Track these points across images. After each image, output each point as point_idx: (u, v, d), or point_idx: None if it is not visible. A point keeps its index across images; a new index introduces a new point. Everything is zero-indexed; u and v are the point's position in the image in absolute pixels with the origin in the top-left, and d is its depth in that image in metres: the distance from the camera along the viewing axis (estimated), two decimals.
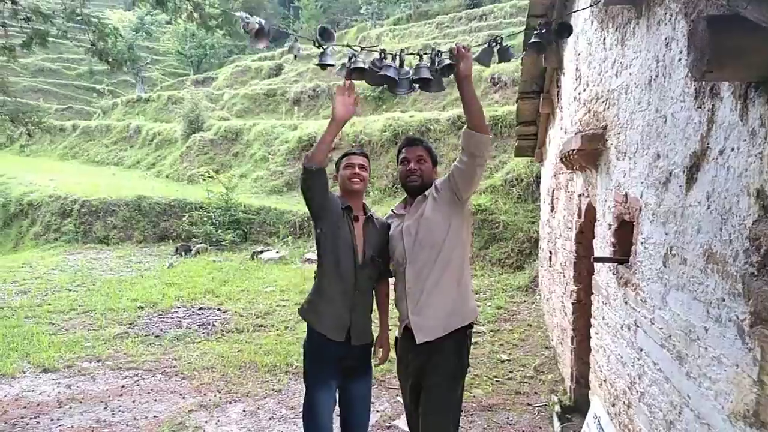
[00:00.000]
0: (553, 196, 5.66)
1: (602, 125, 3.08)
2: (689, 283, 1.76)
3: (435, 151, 2.85)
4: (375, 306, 2.86)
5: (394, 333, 2.84)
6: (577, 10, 3.53)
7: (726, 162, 1.53)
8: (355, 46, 2.59)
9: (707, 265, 1.62)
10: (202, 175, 14.65)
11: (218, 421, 4.05)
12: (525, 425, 3.91)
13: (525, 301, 7.14)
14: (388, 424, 3.94)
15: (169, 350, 5.58)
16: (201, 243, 11.31)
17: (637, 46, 2.40)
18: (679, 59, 1.88)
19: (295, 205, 12.37)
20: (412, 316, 2.57)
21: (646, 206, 2.24)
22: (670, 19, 1.96)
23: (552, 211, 5.72)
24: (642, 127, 2.31)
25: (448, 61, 2.46)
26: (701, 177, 1.69)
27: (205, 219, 11.53)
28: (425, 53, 2.52)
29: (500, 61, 2.66)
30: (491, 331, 6.01)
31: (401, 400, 3.22)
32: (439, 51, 2.55)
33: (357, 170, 2.73)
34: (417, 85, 2.58)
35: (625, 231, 2.64)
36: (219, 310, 7.06)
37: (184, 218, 12.01)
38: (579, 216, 3.86)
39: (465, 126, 2.51)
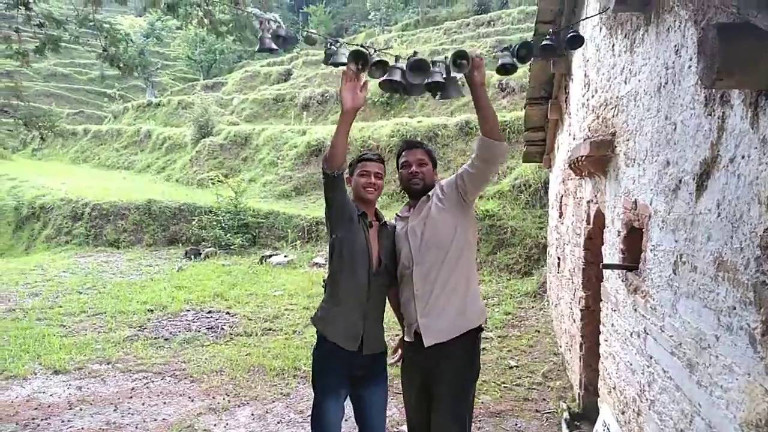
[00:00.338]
0: (561, 202, 5.65)
1: (611, 132, 3.08)
2: (700, 291, 1.76)
3: (434, 153, 2.86)
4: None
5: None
6: (586, 18, 3.53)
7: (737, 170, 1.53)
8: (368, 47, 2.57)
9: (718, 273, 1.62)
10: (211, 179, 14.74)
11: (227, 424, 4.07)
12: None
13: (533, 307, 7.11)
14: (396, 429, 3.94)
15: (179, 353, 5.62)
16: (210, 247, 11.37)
17: (647, 52, 2.40)
18: (689, 66, 1.88)
19: (304, 209, 12.41)
20: (421, 319, 2.55)
21: (656, 213, 2.23)
22: (680, 26, 1.96)
23: (560, 217, 5.71)
24: (651, 134, 2.31)
25: (460, 60, 2.44)
26: (712, 185, 1.69)
27: (215, 223, 11.59)
28: (440, 61, 2.50)
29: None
30: (499, 337, 5.99)
31: None
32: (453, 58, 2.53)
33: (372, 179, 2.66)
34: (434, 94, 2.58)
35: (634, 238, 2.64)
36: (228, 313, 7.09)
37: (193, 222, 12.08)
38: (588, 222, 3.85)
39: (480, 134, 2.51)
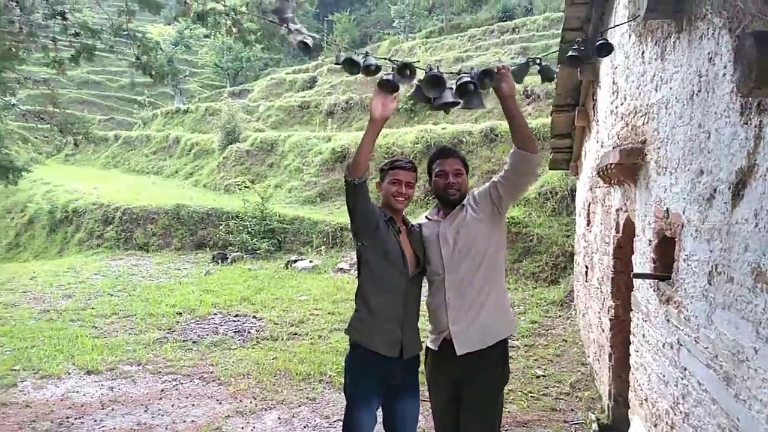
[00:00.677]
0: (589, 210, 5.59)
1: (641, 139, 3.05)
2: (736, 302, 1.73)
3: (467, 161, 2.84)
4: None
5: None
6: (615, 26, 3.51)
7: None
8: (394, 59, 2.61)
9: (756, 284, 1.60)
10: (238, 185, 14.95)
11: (254, 427, 4.12)
12: None
13: (560, 316, 7.03)
14: None
15: (207, 356, 5.71)
16: (237, 251, 11.52)
17: (678, 60, 2.38)
18: (723, 74, 1.86)
19: (328, 215, 12.50)
20: (453, 327, 2.54)
21: (689, 222, 2.20)
22: (714, 33, 1.95)
23: (588, 225, 5.64)
24: (684, 142, 2.29)
25: (481, 72, 2.45)
26: (748, 194, 1.67)
27: (241, 228, 11.74)
28: (465, 72, 2.52)
29: (543, 81, 2.66)
30: (525, 345, 5.94)
31: None
32: (478, 70, 2.55)
33: (403, 188, 2.61)
34: (458, 103, 2.59)
35: (665, 247, 2.60)
36: (254, 317, 7.18)
37: (220, 227, 12.26)
38: (617, 231, 3.80)
39: (513, 146, 2.50)
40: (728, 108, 1.83)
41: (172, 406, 4.52)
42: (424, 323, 2.75)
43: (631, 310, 3.29)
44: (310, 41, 2.62)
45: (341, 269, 9.97)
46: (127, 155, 24.19)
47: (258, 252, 11.32)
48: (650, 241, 2.82)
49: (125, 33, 6.70)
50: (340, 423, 2.77)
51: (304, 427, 4.13)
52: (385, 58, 2.63)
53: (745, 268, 1.67)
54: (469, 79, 2.44)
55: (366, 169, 2.42)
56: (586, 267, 5.66)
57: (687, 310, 2.22)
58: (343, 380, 2.72)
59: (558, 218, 9.13)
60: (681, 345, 2.30)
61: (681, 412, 2.27)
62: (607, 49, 2.60)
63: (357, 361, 2.60)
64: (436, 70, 2.46)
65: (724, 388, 1.81)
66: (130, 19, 6.72)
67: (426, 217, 2.83)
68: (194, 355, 5.74)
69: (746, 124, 1.69)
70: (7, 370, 5.26)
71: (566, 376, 5.05)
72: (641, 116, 3.07)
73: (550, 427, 4.06)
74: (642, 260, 3.02)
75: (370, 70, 2.49)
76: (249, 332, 6.52)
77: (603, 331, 4.26)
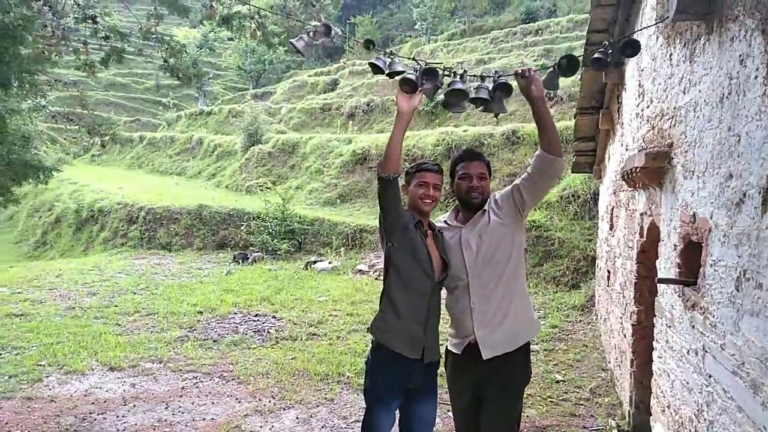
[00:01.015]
0: (612, 214, 5.52)
1: (668, 143, 3.00)
2: (766, 309, 1.69)
3: (490, 164, 2.83)
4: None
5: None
6: (643, 28, 3.46)
7: None
8: (419, 60, 2.62)
9: None
10: (260, 186, 15.13)
11: (272, 426, 4.14)
12: None
13: (581, 321, 6.95)
14: None
15: (226, 355, 5.76)
16: (257, 252, 11.64)
17: (708, 62, 2.34)
18: (756, 77, 1.82)
19: (348, 216, 12.55)
20: (479, 332, 2.53)
21: (717, 227, 2.16)
22: (746, 35, 1.91)
23: (611, 229, 5.56)
24: (712, 145, 2.24)
25: (503, 80, 2.46)
26: None
27: (262, 228, 11.86)
28: (488, 75, 2.52)
29: (565, 75, 2.63)
30: (545, 350, 5.88)
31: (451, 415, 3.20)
32: (501, 74, 2.55)
33: (431, 191, 2.60)
34: (477, 106, 2.60)
35: (691, 252, 2.55)
36: (274, 317, 7.23)
37: (242, 227, 12.41)
38: (641, 235, 3.74)
39: (539, 148, 2.49)
40: (760, 111, 1.79)
41: (192, 403, 4.57)
42: (441, 326, 2.75)
43: (655, 315, 3.24)
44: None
45: (360, 271, 9.99)
46: (152, 156, 24.63)
47: (278, 253, 11.42)
48: (675, 245, 2.77)
49: (153, 36, 6.82)
50: (358, 424, 2.78)
51: (322, 427, 4.14)
52: (410, 58, 2.65)
53: None
54: (486, 91, 2.47)
55: (399, 163, 2.42)
56: (609, 271, 5.58)
57: (713, 317, 2.17)
58: (361, 381, 2.73)
59: (580, 222, 9.02)
60: (706, 352, 2.26)
61: (705, 419, 2.23)
62: (633, 47, 2.55)
63: (378, 361, 2.60)
64: (459, 81, 2.49)
65: (751, 396, 1.77)
66: (158, 22, 6.84)
67: (445, 222, 2.80)
68: (214, 353, 5.81)
69: None
70: (33, 365, 5.38)
71: (586, 381, 4.98)
72: (668, 119, 3.02)
73: None
74: (666, 265, 2.97)
75: (395, 74, 2.52)
76: (268, 332, 6.57)
77: (625, 336, 4.19)
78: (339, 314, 7.33)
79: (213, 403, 4.58)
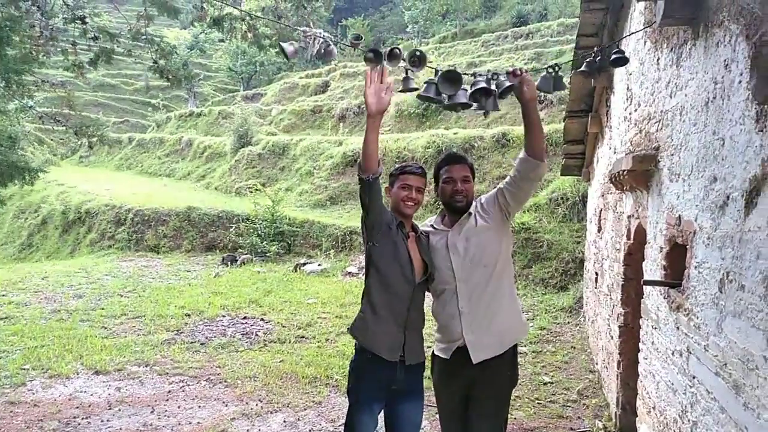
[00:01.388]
0: (600, 216, 5.55)
1: (654, 146, 3.03)
2: (747, 310, 1.71)
3: (474, 167, 2.82)
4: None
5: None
6: (631, 33, 3.49)
7: None
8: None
9: (767, 293, 1.57)
10: (249, 188, 15.05)
11: (259, 430, 4.12)
12: None
13: (569, 323, 6.98)
14: None
15: (214, 358, 5.72)
16: (246, 254, 11.58)
17: (694, 67, 2.36)
18: (740, 81, 1.84)
19: (338, 219, 12.52)
20: (468, 336, 2.52)
21: (701, 230, 2.18)
22: (730, 40, 1.93)
23: (599, 231, 5.60)
24: (698, 149, 2.26)
25: (508, 84, 2.45)
26: (762, 201, 1.65)
27: (251, 230, 11.80)
28: (480, 74, 2.52)
29: (553, 91, 2.64)
30: (533, 352, 5.90)
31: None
32: (495, 73, 2.54)
33: (413, 193, 2.60)
34: (472, 105, 2.59)
35: (677, 254, 2.58)
36: (262, 320, 7.20)
37: (231, 229, 12.34)
38: (628, 237, 3.77)
39: (523, 151, 2.49)
40: (743, 115, 1.80)
41: (179, 407, 4.53)
42: (428, 330, 2.74)
43: (641, 317, 3.26)
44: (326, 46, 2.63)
45: (350, 273, 9.97)
46: (141, 157, 24.43)
47: (267, 255, 11.37)
48: (661, 248, 2.79)
49: (143, 37, 6.78)
50: None
51: (310, 430, 4.12)
52: (402, 59, 2.63)
53: (756, 276, 1.65)
54: (485, 85, 2.46)
55: (377, 164, 2.41)
56: (596, 273, 5.62)
57: (697, 318, 2.19)
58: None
59: (569, 224, 9.07)
60: (690, 353, 2.27)
61: (689, 420, 2.24)
62: (622, 62, 2.59)
63: (360, 363, 2.59)
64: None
65: (734, 397, 1.79)
66: (148, 23, 6.80)
67: (432, 226, 2.79)
68: (201, 357, 5.76)
69: (761, 131, 1.67)
70: (17, 369, 5.30)
71: (574, 383, 5.00)
72: (655, 123, 3.05)
73: None
74: (653, 267, 2.99)
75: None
76: (256, 335, 6.54)
77: (612, 338, 4.21)
78: (328, 317, 7.31)
79: (200, 406, 4.55)
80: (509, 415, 2.91)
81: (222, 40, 30.31)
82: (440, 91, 2.53)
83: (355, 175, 2.48)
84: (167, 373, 5.27)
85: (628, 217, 3.79)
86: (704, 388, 2.09)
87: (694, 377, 2.22)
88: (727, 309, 1.88)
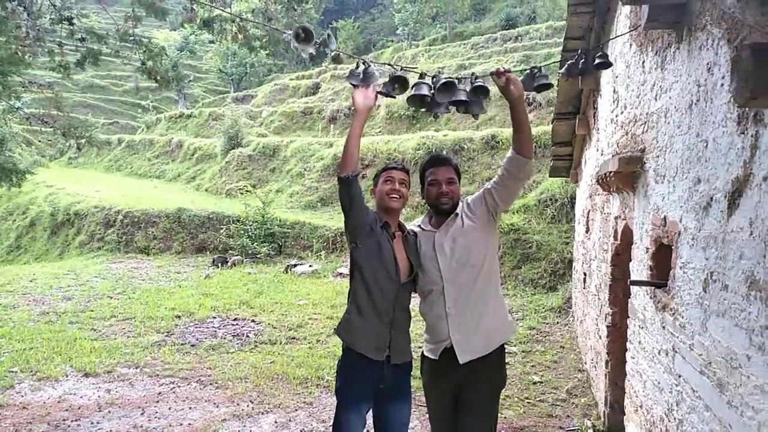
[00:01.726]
0: (588, 218, 5.61)
1: (640, 148, 3.07)
2: (730, 310, 1.74)
3: (459, 167, 2.84)
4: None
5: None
6: (617, 36, 3.53)
7: None
8: (394, 65, 2.64)
9: (750, 292, 1.61)
10: (240, 189, 15.01)
11: (250, 431, 4.11)
12: None
13: (558, 323, 7.03)
14: None
15: (205, 359, 5.70)
16: (237, 255, 11.54)
17: (678, 70, 2.40)
18: (722, 84, 1.88)
19: (329, 220, 12.52)
20: (455, 336, 2.54)
21: (686, 230, 2.22)
22: (713, 44, 1.97)
23: (587, 232, 5.65)
24: (682, 150, 2.30)
25: (479, 83, 2.49)
26: (744, 203, 1.68)
27: (242, 232, 11.77)
28: (464, 78, 2.55)
29: (537, 92, 2.68)
30: (523, 351, 5.94)
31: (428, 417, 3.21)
32: (477, 76, 2.58)
33: (397, 186, 2.62)
34: (457, 108, 2.62)
35: (663, 254, 2.62)
36: (253, 321, 7.18)
37: (221, 231, 12.30)
38: (615, 238, 3.82)
39: (511, 149, 2.52)
40: (726, 118, 1.84)
41: (169, 409, 4.51)
42: (417, 330, 2.76)
43: (628, 317, 3.30)
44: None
45: (341, 274, 9.97)
46: (130, 159, 24.27)
47: (258, 256, 11.34)
48: (648, 248, 2.83)
49: (131, 38, 6.74)
50: None
51: (301, 431, 4.12)
52: (385, 64, 2.66)
53: (739, 276, 1.68)
54: (464, 94, 2.50)
55: (356, 162, 2.44)
56: (585, 274, 5.67)
57: (682, 317, 2.23)
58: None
59: (557, 225, 9.14)
60: (676, 352, 2.31)
61: (675, 418, 2.28)
62: (605, 65, 2.63)
63: (347, 362, 2.60)
64: (424, 85, 2.51)
65: (717, 395, 1.82)
66: (136, 24, 6.76)
67: (419, 226, 2.80)
68: (192, 358, 5.74)
69: (743, 133, 1.71)
70: (5, 371, 5.26)
71: (563, 382, 5.04)
72: (641, 125, 3.09)
73: None
74: (639, 267, 3.03)
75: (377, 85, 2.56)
76: (247, 336, 6.52)
77: (600, 337, 4.26)
78: (319, 318, 7.31)
79: (190, 408, 4.53)
80: (499, 414, 2.95)
81: (212, 42, 30.21)
82: (433, 97, 2.56)
83: (336, 170, 2.51)
84: (157, 375, 5.24)
85: (615, 218, 3.83)
86: (689, 387, 2.12)
87: (679, 376, 2.26)
88: (711, 308, 1.92)
